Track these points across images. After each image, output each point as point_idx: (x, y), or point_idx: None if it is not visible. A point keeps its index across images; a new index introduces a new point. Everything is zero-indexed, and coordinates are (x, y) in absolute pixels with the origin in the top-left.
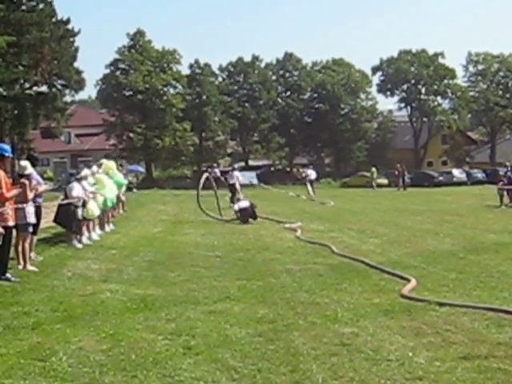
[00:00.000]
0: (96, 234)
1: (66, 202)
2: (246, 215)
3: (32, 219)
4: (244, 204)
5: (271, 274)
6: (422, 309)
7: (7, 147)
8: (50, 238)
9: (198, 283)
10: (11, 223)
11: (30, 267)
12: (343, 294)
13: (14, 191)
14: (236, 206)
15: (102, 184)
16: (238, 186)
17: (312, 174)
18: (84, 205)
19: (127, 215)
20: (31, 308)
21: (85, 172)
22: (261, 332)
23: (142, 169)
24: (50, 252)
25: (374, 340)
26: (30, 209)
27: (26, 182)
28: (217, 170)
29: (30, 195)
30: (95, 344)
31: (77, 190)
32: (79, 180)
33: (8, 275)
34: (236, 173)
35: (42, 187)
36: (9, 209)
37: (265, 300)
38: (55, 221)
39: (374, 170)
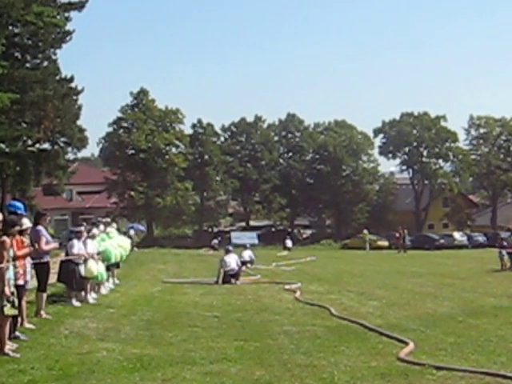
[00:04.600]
0: (95, 292)
1: (65, 258)
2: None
3: (28, 276)
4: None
5: (269, 336)
6: (418, 372)
7: (20, 205)
8: (49, 296)
9: (195, 343)
10: (21, 282)
11: (27, 324)
12: (341, 357)
13: (26, 250)
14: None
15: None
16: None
17: (288, 243)
18: (85, 262)
19: (126, 273)
20: (27, 366)
21: (94, 231)
22: None
23: (142, 227)
24: (47, 310)
25: None
26: (26, 265)
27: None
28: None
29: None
30: None
31: (77, 247)
32: (79, 237)
33: (17, 333)
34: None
35: (51, 245)
36: (19, 267)
37: (261, 361)
38: (59, 279)
39: (365, 232)
